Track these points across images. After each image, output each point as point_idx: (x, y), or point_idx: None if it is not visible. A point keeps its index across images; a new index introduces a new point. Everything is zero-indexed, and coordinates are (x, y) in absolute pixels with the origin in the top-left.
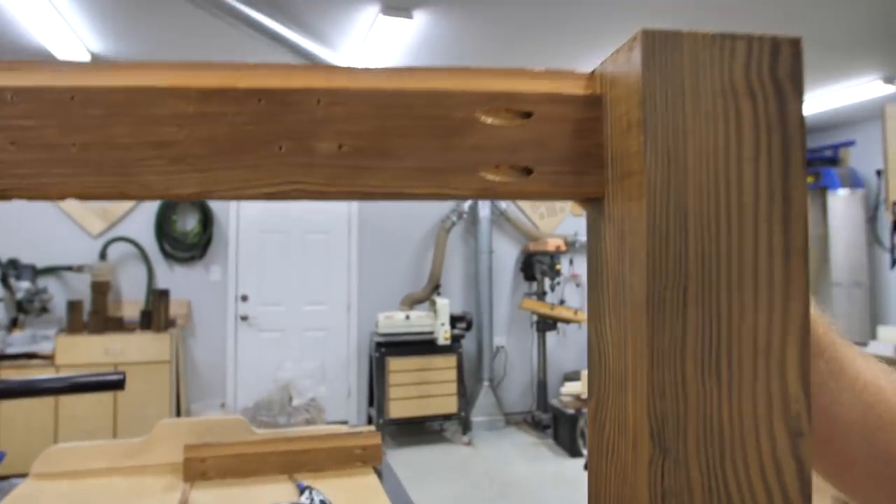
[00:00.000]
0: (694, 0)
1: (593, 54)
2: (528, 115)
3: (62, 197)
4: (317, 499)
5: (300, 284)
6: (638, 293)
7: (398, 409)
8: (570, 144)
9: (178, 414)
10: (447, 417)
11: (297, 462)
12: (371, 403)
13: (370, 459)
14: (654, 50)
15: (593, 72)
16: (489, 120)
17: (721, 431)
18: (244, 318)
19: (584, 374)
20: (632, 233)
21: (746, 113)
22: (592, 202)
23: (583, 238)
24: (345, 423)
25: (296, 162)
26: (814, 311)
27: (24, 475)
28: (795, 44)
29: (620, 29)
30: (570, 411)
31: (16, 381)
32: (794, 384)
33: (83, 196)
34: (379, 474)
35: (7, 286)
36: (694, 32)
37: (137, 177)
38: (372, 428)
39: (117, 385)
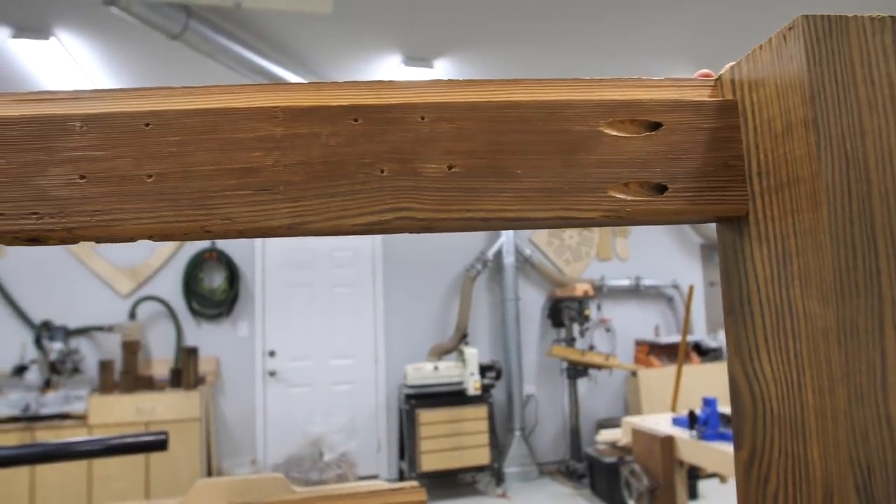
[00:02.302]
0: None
1: None
2: (655, 125)
3: (136, 236)
4: None
5: (327, 338)
6: (820, 320)
7: (430, 462)
8: (705, 157)
9: (210, 472)
10: (480, 469)
11: None
12: (402, 457)
13: None
14: (818, 38)
15: (718, 77)
16: (614, 132)
17: None
18: (272, 374)
19: (625, 421)
20: (803, 251)
21: None
22: (728, 222)
23: (611, 282)
24: (375, 477)
25: (400, 186)
26: None
27: None
28: None
29: (635, 67)
30: (609, 460)
31: (57, 444)
32: None
33: (160, 235)
34: None
35: (41, 347)
36: (860, 17)
37: (220, 209)
38: (415, 483)
39: (160, 446)
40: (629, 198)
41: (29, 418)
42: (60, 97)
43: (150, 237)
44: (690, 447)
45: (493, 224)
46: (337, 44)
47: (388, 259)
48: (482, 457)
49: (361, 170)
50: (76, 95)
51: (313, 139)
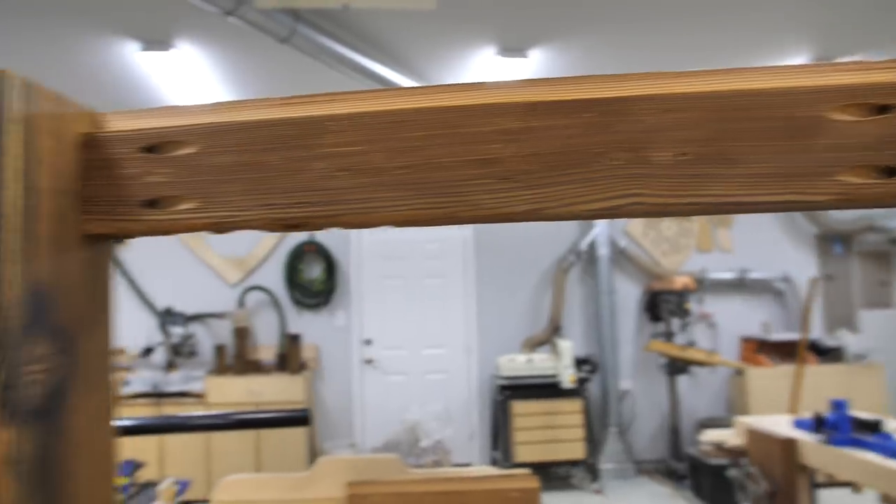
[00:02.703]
0: None
1: None
2: (883, 108)
3: (389, 223)
4: None
5: (420, 328)
6: None
7: (524, 453)
8: None
9: (312, 452)
10: (574, 463)
11: (455, 502)
12: (495, 447)
13: (528, 502)
14: None
15: None
16: (840, 116)
17: None
18: (368, 362)
19: (738, 420)
20: None
21: None
22: None
23: (713, 275)
24: (469, 465)
25: (631, 173)
26: None
27: (201, 501)
28: None
29: (739, 49)
30: (714, 461)
31: (229, 415)
32: None
33: (411, 221)
34: None
35: (164, 332)
36: None
37: (466, 196)
38: (527, 471)
39: (303, 421)
40: (859, 181)
41: (157, 395)
42: (318, 100)
43: (403, 223)
44: (817, 452)
45: (722, 208)
46: (434, 39)
47: (480, 250)
48: (577, 451)
49: (595, 159)
50: (331, 98)
51: (549, 132)
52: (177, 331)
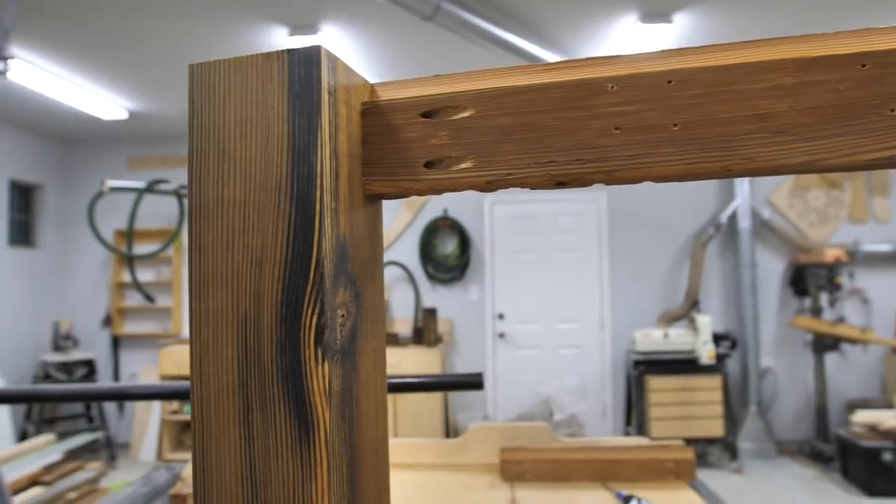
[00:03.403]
0: None
1: None
2: None
3: (664, 177)
4: None
5: (553, 303)
6: None
7: (660, 429)
8: None
9: (447, 423)
10: (711, 441)
11: (608, 471)
12: (628, 422)
13: (684, 474)
14: None
15: None
16: None
17: None
18: (501, 336)
19: None
20: None
21: None
22: None
23: (867, 247)
24: None
25: None
26: None
27: None
28: None
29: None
30: (868, 444)
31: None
32: None
33: (687, 175)
34: (695, 490)
35: None
36: None
37: (740, 150)
38: (681, 442)
39: (478, 385)
40: None
41: None
42: (591, 64)
43: (675, 178)
44: None
45: None
46: (575, 10)
47: (614, 224)
48: (715, 429)
49: (872, 110)
50: (605, 62)
51: (823, 85)
52: None
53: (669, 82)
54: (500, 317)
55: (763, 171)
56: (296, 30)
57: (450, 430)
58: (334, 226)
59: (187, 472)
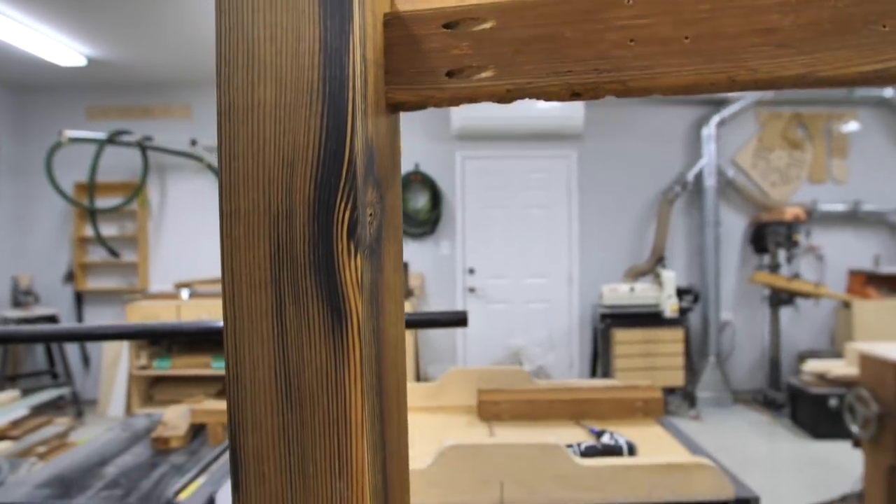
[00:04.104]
0: None
1: None
2: None
3: (675, 87)
4: (621, 441)
5: (523, 258)
6: None
7: (624, 379)
8: None
9: (418, 375)
10: (671, 391)
11: (581, 411)
12: (594, 374)
13: (652, 412)
14: None
15: None
16: None
17: None
18: (472, 290)
19: (850, 347)
20: None
21: None
22: None
23: (824, 207)
24: None
25: None
26: None
27: None
28: None
29: None
30: (816, 391)
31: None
32: None
33: (695, 86)
34: (662, 426)
35: None
36: None
37: (745, 62)
38: (649, 383)
39: (463, 322)
40: None
41: None
42: None
43: (684, 89)
44: None
45: None
46: None
47: (584, 181)
48: (676, 379)
49: (866, 26)
50: None
51: (823, 3)
52: None
53: None
54: (471, 271)
55: (764, 82)
56: None
57: (421, 382)
58: (364, 128)
59: (168, 415)
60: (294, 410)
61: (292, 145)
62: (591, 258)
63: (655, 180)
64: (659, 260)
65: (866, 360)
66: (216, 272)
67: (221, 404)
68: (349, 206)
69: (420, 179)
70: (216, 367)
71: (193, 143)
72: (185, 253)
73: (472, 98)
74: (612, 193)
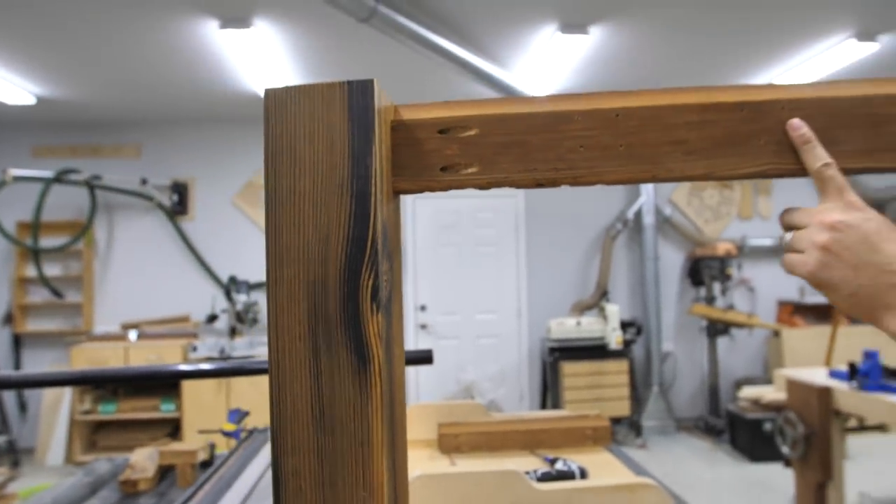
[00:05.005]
0: None
1: (772, 57)
2: None
3: (613, 182)
4: (573, 466)
5: (473, 294)
6: None
7: (573, 410)
8: None
9: None
10: (618, 421)
11: (536, 440)
12: (543, 406)
13: (600, 440)
14: None
15: None
16: None
17: None
18: (423, 326)
19: (778, 374)
20: None
21: None
22: None
23: (753, 241)
24: None
25: (770, 150)
26: None
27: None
28: None
29: (799, 31)
30: (751, 416)
31: None
32: None
33: (628, 180)
34: (610, 453)
35: (230, 300)
36: None
37: (663, 164)
38: (598, 412)
39: (428, 360)
40: None
41: (223, 359)
42: (563, 100)
43: (620, 182)
44: (850, 397)
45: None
46: (500, 17)
47: (531, 219)
48: (622, 409)
49: (748, 140)
50: (573, 99)
51: (717, 123)
52: (241, 298)
53: (617, 116)
54: (423, 308)
55: (677, 178)
56: (227, 22)
57: None
58: (381, 214)
59: (135, 458)
60: (326, 435)
61: (327, 225)
62: (539, 293)
63: (598, 218)
64: (603, 294)
65: (792, 385)
66: (166, 311)
67: (190, 445)
68: (372, 275)
69: None
70: (165, 409)
71: (144, 181)
72: (133, 293)
73: (460, 187)
74: (557, 231)
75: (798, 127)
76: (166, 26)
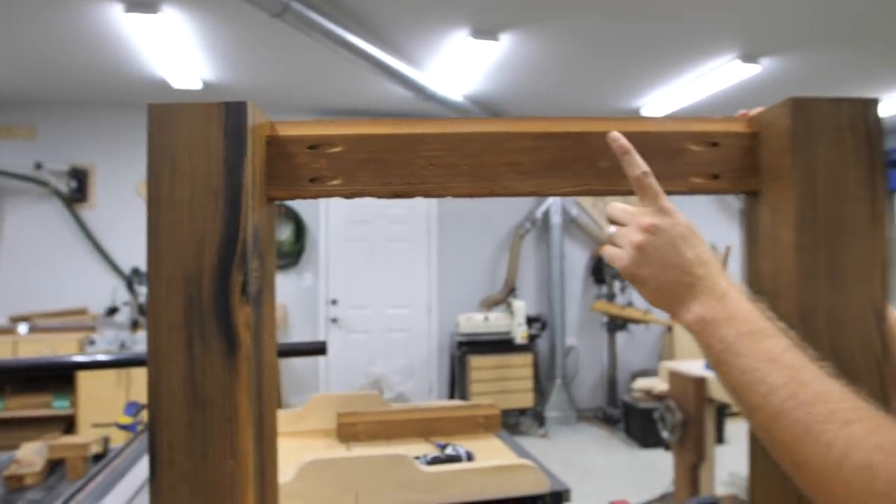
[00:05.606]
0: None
1: (667, 72)
2: (715, 144)
3: (459, 195)
4: (461, 451)
5: (384, 289)
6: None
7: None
8: (741, 160)
9: (280, 404)
10: (522, 412)
11: (430, 428)
12: (451, 398)
13: (491, 427)
14: (795, 108)
15: (750, 119)
16: (693, 147)
17: None
18: (334, 321)
19: (662, 365)
20: (784, 210)
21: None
22: (752, 194)
23: None
24: None
25: (588, 173)
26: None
27: None
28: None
29: (693, 48)
30: (643, 405)
31: None
32: None
33: (471, 194)
34: (500, 439)
35: (132, 292)
36: (818, 98)
37: (500, 182)
38: (490, 402)
39: (322, 351)
40: (700, 182)
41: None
42: (418, 123)
43: (464, 195)
44: (719, 387)
45: (631, 192)
46: (413, 19)
47: (443, 217)
48: (526, 400)
49: (569, 165)
50: (426, 123)
51: (546, 149)
52: (144, 290)
53: (462, 139)
54: (334, 302)
55: (511, 195)
56: (132, 6)
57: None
58: (252, 219)
59: (22, 453)
60: (198, 412)
61: (202, 229)
62: (450, 289)
63: (508, 217)
64: (511, 291)
65: (673, 376)
66: (63, 304)
67: (82, 438)
68: (241, 273)
69: (284, 211)
70: (58, 406)
71: (38, 166)
72: (25, 284)
73: (327, 196)
74: (469, 229)
75: (617, 138)
76: (66, 3)
